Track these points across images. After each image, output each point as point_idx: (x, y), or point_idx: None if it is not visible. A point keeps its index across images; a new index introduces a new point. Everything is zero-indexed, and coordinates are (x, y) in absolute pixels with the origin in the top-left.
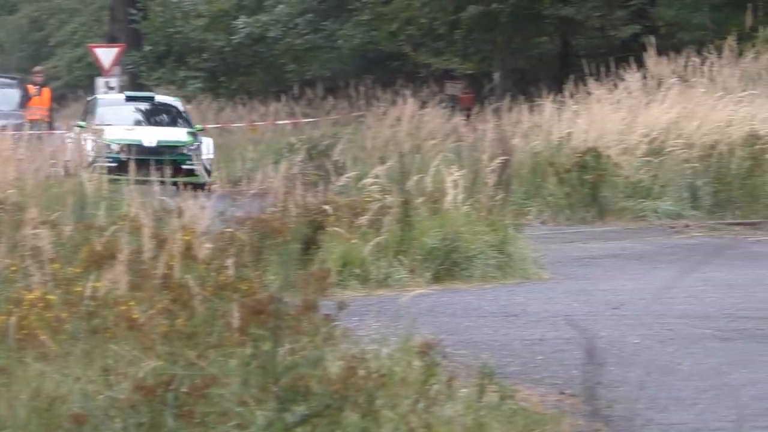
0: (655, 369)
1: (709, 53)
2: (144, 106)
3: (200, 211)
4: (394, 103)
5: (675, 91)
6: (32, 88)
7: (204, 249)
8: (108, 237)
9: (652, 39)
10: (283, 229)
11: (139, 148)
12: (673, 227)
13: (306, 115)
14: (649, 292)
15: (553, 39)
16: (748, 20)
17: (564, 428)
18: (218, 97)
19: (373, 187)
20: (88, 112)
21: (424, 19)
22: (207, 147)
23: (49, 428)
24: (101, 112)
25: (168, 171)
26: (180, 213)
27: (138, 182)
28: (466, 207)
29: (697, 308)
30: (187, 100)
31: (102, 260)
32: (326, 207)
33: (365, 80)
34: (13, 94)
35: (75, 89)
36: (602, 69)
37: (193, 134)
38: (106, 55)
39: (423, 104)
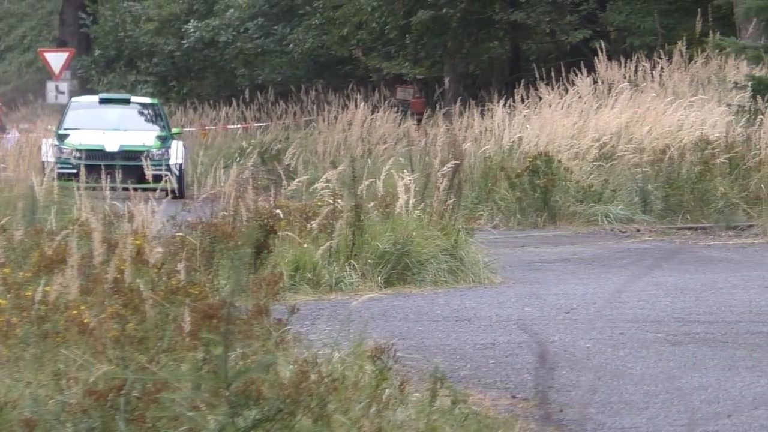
0: (606, 373)
1: (660, 58)
2: (118, 108)
3: (151, 216)
4: (345, 107)
5: (625, 95)
6: None
7: (155, 253)
8: (58, 241)
9: (603, 44)
10: (234, 233)
11: (101, 154)
12: (624, 231)
13: (257, 120)
14: (601, 297)
15: (504, 44)
16: (698, 25)
17: (518, 430)
18: (169, 101)
19: (324, 191)
20: (62, 114)
21: (374, 24)
22: (176, 152)
23: None
24: (72, 115)
25: (131, 177)
26: (130, 217)
27: (96, 188)
28: (417, 211)
29: (648, 312)
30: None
31: (52, 265)
32: (278, 211)
33: (316, 84)
34: None
35: (25, 93)
36: (553, 73)
37: (163, 138)
38: (56, 59)
39: (374, 109)
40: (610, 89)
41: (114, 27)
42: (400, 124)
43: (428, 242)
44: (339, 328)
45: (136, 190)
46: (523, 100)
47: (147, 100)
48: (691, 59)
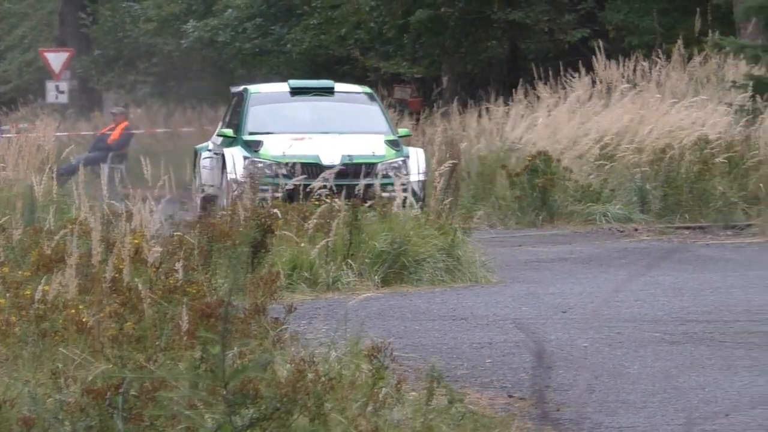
0: (603, 372)
1: (658, 57)
2: (319, 101)
3: (149, 215)
4: None
5: (625, 95)
6: None
7: (153, 253)
8: (57, 241)
9: (601, 43)
10: (232, 232)
11: (317, 169)
12: (622, 231)
13: None
14: (598, 296)
15: (502, 43)
16: (697, 24)
17: (515, 430)
18: (168, 101)
19: (321, 190)
20: (234, 112)
21: (372, 24)
22: (417, 162)
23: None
24: (255, 113)
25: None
26: (129, 217)
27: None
28: (414, 211)
29: (646, 312)
30: (136, 104)
31: (51, 264)
32: (275, 210)
33: None
34: None
35: (25, 93)
36: (551, 73)
37: (395, 143)
38: (56, 59)
39: None
40: (608, 89)
41: (113, 27)
42: (397, 124)
43: (425, 242)
44: (336, 327)
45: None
46: (521, 99)
47: (356, 88)
48: (689, 58)
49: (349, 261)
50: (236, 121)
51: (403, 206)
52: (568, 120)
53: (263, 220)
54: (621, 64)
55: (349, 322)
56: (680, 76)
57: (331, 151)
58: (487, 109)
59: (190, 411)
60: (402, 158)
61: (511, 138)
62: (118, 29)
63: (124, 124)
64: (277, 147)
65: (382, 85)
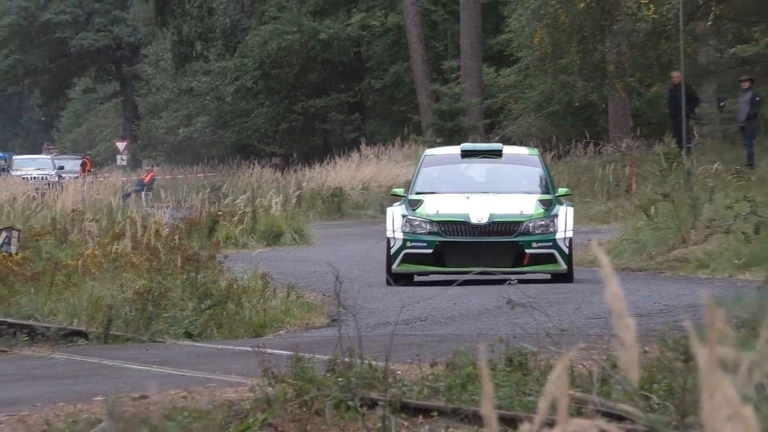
0: (365, 284)
1: (391, 145)
2: (487, 163)
3: (163, 215)
4: (250, 166)
5: (375, 162)
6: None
7: (164, 231)
8: (121, 226)
9: (364, 138)
10: (200, 222)
11: (465, 227)
12: (374, 222)
13: (210, 172)
14: (362, 251)
15: (320, 138)
16: (406, 129)
17: (325, 310)
18: (174, 164)
19: (240, 203)
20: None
21: (262, 129)
22: (565, 221)
23: (97, 311)
24: (426, 174)
25: (503, 258)
26: (153, 215)
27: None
28: (282, 212)
29: (381, 256)
30: (158, 165)
31: (119, 236)
32: (219, 213)
33: (236, 157)
34: (76, 164)
35: (107, 160)
36: (344, 152)
37: (546, 203)
38: (121, 145)
39: (262, 167)
40: (369, 159)
41: (147, 131)
42: (273, 173)
43: (287, 226)
44: (246, 265)
45: (509, 274)
46: (329, 163)
47: (524, 150)
48: (403, 145)
49: (252, 234)
50: (410, 180)
51: (548, 263)
52: (348, 172)
53: (214, 217)
54: (373, 148)
55: (252, 263)
56: (398, 153)
57: (482, 210)
58: (314, 168)
59: (181, 302)
60: (550, 217)
61: (323, 181)
62: (150, 131)
63: (152, 173)
64: (432, 206)
65: (266, 157)
